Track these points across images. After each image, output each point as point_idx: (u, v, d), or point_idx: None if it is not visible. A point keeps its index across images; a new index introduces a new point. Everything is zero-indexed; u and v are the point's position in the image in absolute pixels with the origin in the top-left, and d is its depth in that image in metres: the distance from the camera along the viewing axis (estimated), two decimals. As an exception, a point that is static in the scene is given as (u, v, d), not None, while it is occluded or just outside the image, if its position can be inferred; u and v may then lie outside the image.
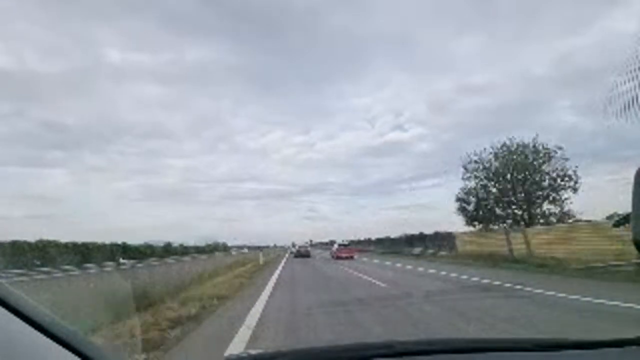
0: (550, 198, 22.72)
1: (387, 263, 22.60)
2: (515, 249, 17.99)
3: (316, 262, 27.80)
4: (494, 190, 24.46)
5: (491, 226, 24.29)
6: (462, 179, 26.14)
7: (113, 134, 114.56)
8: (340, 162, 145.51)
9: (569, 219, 21.85)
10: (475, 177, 25.32)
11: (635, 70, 2.26)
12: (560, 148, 22.16)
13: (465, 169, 25.83)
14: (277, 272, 18.57)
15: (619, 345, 1.20)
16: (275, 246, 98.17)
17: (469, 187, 25.83)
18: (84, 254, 19.10)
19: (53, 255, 17.11)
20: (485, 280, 11.31)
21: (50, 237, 18.18)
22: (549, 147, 22.53)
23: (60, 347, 0.74)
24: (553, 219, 22.48)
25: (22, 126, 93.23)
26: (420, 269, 17.15)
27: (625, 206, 1.03)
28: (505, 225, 22.85)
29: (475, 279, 11.94)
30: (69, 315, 5.55)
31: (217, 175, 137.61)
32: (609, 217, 16.54)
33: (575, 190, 21.83)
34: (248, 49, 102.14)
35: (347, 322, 6.08)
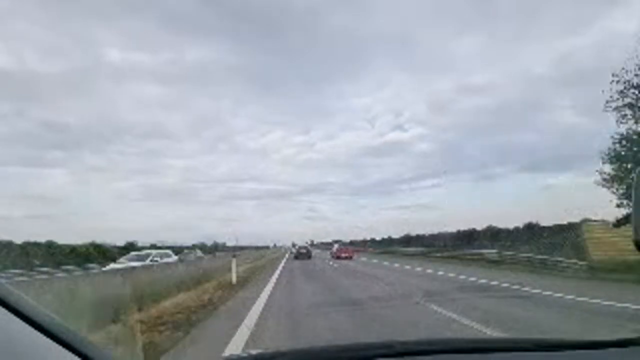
0: None
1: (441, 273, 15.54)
2: None
3: (320, 270, 19.85)
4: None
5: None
6: (618, 120, 13.25)
7: (113, 134, 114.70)
8: (341, 162, 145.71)
9: None
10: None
11: (635, 70, 2.26)
12: None
13: (623, 94, 12.54)
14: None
15: (621, 345, 1.19)
16: (275, 246, 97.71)
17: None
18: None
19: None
20: None
21: (49, 238, 18.27)
22: None
23: (60, 347, 0.74)
24: None
25: (22, 126, 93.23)
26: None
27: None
28: None
29: None
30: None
31: (217, 175, 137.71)
32: None
33: None
34: (248, 49, 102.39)
35: None
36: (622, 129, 13.02)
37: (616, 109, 12.52)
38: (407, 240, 40.08)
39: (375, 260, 28.66)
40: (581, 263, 13.76)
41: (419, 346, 1.31)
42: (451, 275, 14.81)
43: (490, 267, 18.61)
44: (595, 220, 16.48)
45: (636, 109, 12.01)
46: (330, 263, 26.22)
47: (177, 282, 10.61)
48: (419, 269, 18.89)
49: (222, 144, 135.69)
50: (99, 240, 35.16)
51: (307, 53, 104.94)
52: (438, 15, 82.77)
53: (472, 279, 13.07)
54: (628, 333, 1.24)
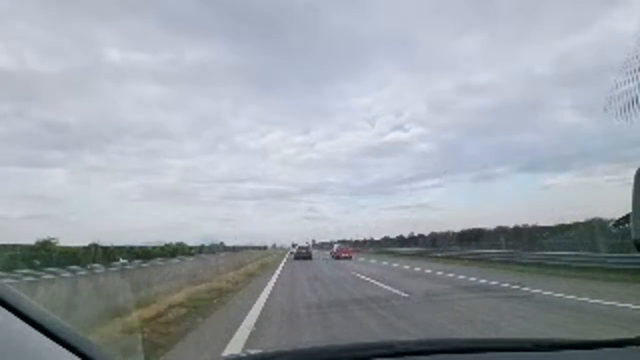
0: None
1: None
2: None
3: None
4: None
5: None
6: None
7: (113, 134, 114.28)
8: (340, 162, 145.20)
9: None
10: None
11: (635, 70, 2.26)
12: None
13: None
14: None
15: (619, 345, 1.19)
16: (274, 246, 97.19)
17: None
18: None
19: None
20: None
21: (49, 237, 18.28)
22: None
23: (60, 347, 0.73)
24: None
25: (22, 126, 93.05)
26: None
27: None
28: None
29: None
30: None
31: (217, 175, 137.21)
32: None
33: None
34: (248, 49, 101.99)
35: None
36: None
37: None
38: (408, 239, 40.18)
39: (373, 260, 28.70)
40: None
41: (419, 346, 1.31)
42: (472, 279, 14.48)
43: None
44: (609, 220, 16.54)
45: None
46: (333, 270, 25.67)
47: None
48: (428, 270, 17.72)
49: (222, 144, 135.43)
50: (98, 240, 35.01)
51: (307, 53, 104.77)
52: (438, 15, 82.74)
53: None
54: (627, 333, 1.24)
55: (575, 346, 1.25)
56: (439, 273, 15.83)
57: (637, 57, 2.25)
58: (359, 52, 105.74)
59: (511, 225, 28.76)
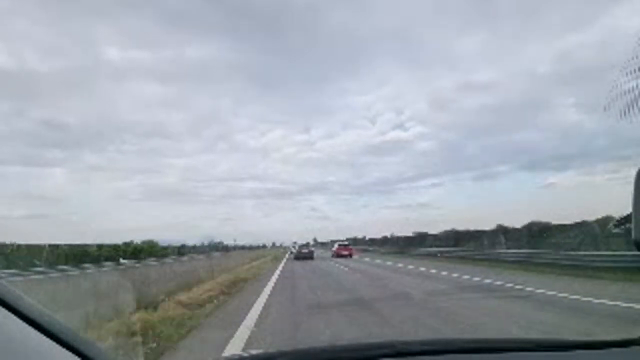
0: None
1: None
2: None
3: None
4: None
5: None
6: None
7: (113, 133, 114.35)
8: (341, 161, 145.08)
9: None
10: None
11: (636, 70, 2.26)
12: None
13: None
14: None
15: (622, 345, 1.19)
16: (274, 245, 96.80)
17: None
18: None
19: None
20: None
21: (49, 238, 18.12)
22: None
23: (60, 347, 0.73)
24: None
25: (22, 125, 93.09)
26: None
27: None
28: None
29: None
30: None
31: (217, 174, 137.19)
32: None
33: None
34: (248, 47, 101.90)
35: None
36: None
37: None
38: (409, 239, 40.18)
39: (378, 260, 28.68)
40: None
41: (420, 346, 1.31)
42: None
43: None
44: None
45: None
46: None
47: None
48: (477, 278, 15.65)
49: (222, 143, 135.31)
50: (99, 240, 34.31)
51: (307, 51, 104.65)
52: (439, 13, 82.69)
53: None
54: (628, 333, 1.24)
55: (578, 346, 1.25)
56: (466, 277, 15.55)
57: (637, 57, 2.25)
58: (360, 51, 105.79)
59: (515, 224, 28.20)
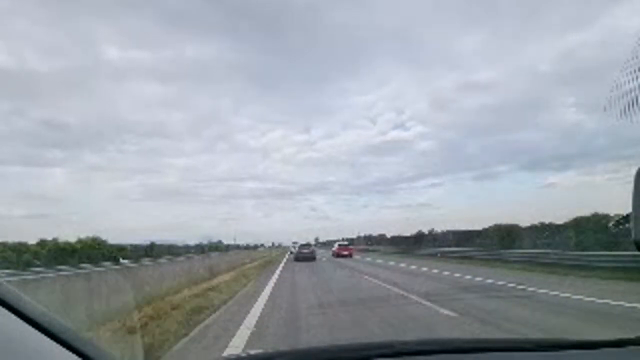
0: None
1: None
2: None
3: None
4: None
5: None
6: None
7: (113, 133, 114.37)
8: (341, 161, 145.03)
9: None
10: None
11: (636, 70, 2.26)
12: None
13: None
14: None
15: (619, 345, 1.19)
16: (273, 245, 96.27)
17: None
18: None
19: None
20: None
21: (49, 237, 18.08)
22: None
23: (60, 347, 0.73)
24: None
25: (22, 125, 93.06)
26: None
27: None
28: None
29: None
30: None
31: (217, 174, 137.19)
32: None
33: None
34: (248, 47, 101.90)
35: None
36: None
37: None
38: (410, 238, 40.28)
39: (381, 260, 28.66)
40: None
41: (420, 346, 1.31)
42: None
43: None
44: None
45: None
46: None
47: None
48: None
49: (222, 143, 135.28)
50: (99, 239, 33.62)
51: (308, 51, 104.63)
52: (440, 13, 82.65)
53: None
54: (627, 333, 1.25)
55: (576, 346, 1.25)
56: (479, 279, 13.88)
57: (637, 57, 2.25)
58: (360, 50, 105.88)
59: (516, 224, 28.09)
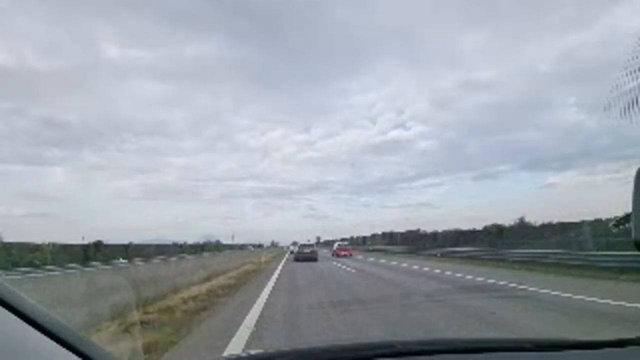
0: None
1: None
2: None
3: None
4: None
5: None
6: None
7: (113, 132, 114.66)
8: (341, 161, 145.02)
9: None
10: None
11: (636, 70, 2.25)
12: None
13: None
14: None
15: (620, 345, 1.19)
16: (272, 244, 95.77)
17: None
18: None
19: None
20: None
21: (49, 237, 17.76)
22: None
23: (60, 347, 0.73)
24: None
25: (21, 124, 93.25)
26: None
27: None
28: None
29: None
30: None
31: (217, 173, 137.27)
32: None
33: None
34: (248, 46, 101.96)
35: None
36: None
37: None
38: (409, 238, 40.39)
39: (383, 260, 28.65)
40: None
41: (420, 346, 1.31)
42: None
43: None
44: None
45: None
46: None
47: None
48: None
49: (222, 142, 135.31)
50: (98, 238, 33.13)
51: (308, 50, 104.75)
52: (441, 12, 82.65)
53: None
54: (627, 333, 1.24)
55: (576, 346, 1.25)
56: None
57: (637, 57, 2.24)
58: (361, 50, 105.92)
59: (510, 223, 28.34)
